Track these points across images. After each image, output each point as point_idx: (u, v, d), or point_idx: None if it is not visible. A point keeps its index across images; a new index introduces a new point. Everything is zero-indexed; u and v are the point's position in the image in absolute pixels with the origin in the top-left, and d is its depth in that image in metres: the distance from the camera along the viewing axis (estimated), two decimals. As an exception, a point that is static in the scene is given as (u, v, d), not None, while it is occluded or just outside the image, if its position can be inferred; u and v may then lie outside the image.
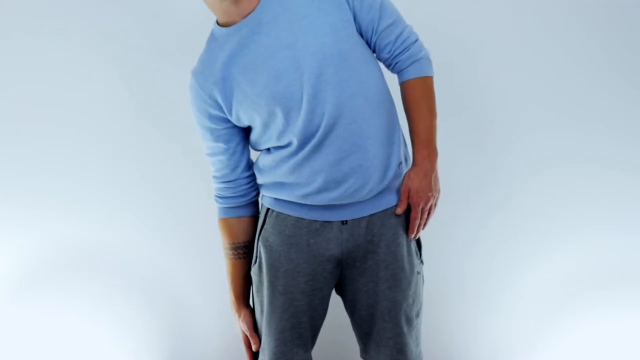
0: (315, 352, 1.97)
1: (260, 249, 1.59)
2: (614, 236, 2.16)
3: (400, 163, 1.54)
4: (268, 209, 1.59)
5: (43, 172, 2.12)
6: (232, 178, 1.61)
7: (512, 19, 2.11)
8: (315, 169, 1.47)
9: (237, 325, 1.68)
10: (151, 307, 2.21)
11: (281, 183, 1.53)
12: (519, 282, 2.20)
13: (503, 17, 2.11)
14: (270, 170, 1.54)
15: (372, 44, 1.53)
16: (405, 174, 1.55)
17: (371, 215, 1.53)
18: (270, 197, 1.58)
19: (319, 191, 1.49)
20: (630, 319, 2.16)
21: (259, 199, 1.66)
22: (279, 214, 1.56)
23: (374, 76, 1.51)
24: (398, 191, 1.55)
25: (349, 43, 1.45)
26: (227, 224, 1.64)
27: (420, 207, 1.55)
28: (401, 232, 1.56)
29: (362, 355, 1.65)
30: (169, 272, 2.21)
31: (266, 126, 1.49)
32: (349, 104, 1.44)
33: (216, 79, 1.49)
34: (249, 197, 1.63)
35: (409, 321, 1.58)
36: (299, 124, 1.45)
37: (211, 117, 1.54)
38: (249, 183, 1.62)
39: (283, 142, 1.49)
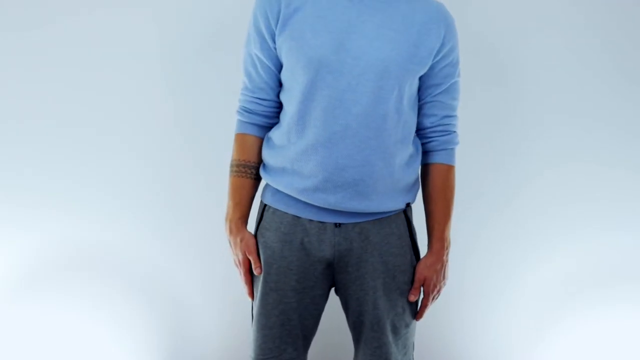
0: (313, 353, 1.98)
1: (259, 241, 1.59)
2: (614, 235, 2.16)
3: (408, 204, 1.59)
4: (265, 205, 1.59)
5: (43, 172, 2.12)
6: (267, 97, 1.59)
7: (513, 18, 2.11)
8: (319, 165, 1.47)
9: (235, 250, 1.61)
10: (151, 307, 2.21)
11: (283, 169, 1.53)
12: (519, 281, 2.20)
13: (503, 17, 2.11)
14: (280, 149, 1.53)
15: (421, 102, 1.58)
16: (421, 261, 1.59)
17: (366, 222, 1.54)
18: (270, 192, 1.58)
19: (316, 189, 1.49)
20: (631, 318, 2.16)
21: (259, 194, 1.65)
22: (275, 210, 1.57)
23: (414, 117, 1.56)
24: (394, 204, 1.56)
25: (411, 73, 1.49)
26: (244, 140, 1.61)
27: (432, 296, 1.60)
28: (396, 241, 1.56)
29: (354, 359, 1.66)
30: (169, 272, 2.21)
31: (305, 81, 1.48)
32: (379, 120, 1.47)
33: None
34: (273, 121, 1.61)
35: (396, 331, 1.58)
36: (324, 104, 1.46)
37: (268, 26, 1.51)
38: (278, 107, 1.60)
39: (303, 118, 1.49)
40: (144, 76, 2.12)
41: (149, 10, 2.09)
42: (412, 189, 1.59)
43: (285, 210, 1.55)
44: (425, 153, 1.63)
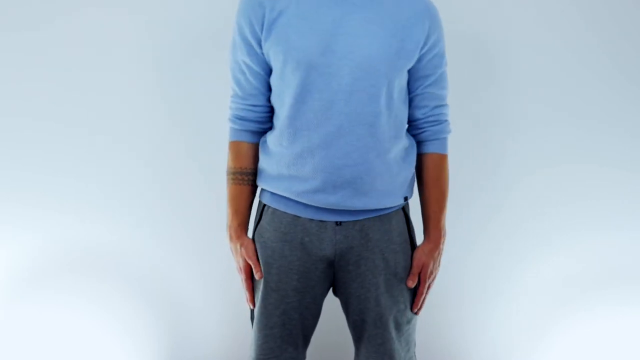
0: (313, 354, 1.98)
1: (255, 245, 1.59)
2: (614, 235, 2.16)
3: (406, 198, 1.60)
4: (265, 205, 1.59)
5: (43, 172, 2.12)
6: (258, 103, 1.57)
7: (511, 18, 2.11)
8: (317, 167, 1.47)
9: (236, 257, 1.62)
10: (151, 307, 2.21)
11: (279, 175, 1.53)
12: (519, 281, 2.20)
13: (502, 17, 2.11)
14: (275, 155, 1.53)
15: (411, 94, 1.58)
16: (419, 247, 1.60)
17: (366, 219, 1.54)
18: (269, 193, 1.58)
19: (315, 191, 1.49)
20: (631, 317, 2.16)
21: (258, 194, 1.65)
22: (274, 210, 1.56)
23: (405, 110, 1.57)
24: (393, 200, 1.56)
25: (399, 68, 1.49)
26: (239, 147, 1.60)
27: (428, 283, 1.61)
28: (396, 238, 1.56)
29: (355, 359, 1.66)
30: (169, 272, 2.21)
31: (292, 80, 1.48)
32: (371, 117, 1.47)
33: None
34: (266, 126, 1.61)
35: (399, 327, 1.58)
36: (316, 104, 1.46)
37: (253, 33, 1.50)
38: (270, 112, 1.59)
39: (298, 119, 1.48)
40: (144, 76, 2.12)
41: (147, 9, 2.09)
42: (409, 183, 1.60)
43: (285, 210, 1.55)
44: (419, 143, 1.63)
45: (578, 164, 2.15)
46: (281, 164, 1.52)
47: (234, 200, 1.61)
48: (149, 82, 2.12)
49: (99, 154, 2.14)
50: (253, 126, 1.60)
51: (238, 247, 1.60)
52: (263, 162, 1.58)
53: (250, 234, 1.64)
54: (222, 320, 2.24)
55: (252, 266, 1.58)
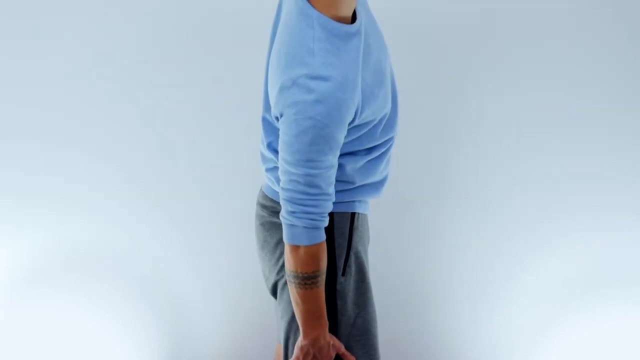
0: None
1: (352, 259, 1.50)
2: (614, 236, 2.16)
3: None
4: (355, 214, 1.50)
5: (43, 172, 2.12)
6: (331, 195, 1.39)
7: (509, 18, 2.10)
8: (388, 159, 1.54)
9: (328, 353, 1.47)
10: (151, 307, 2.21)
11: (372, 183, 1.52)
12: (519, 283, 2.20)
13: (500, 17, 2.10)
14: (364, 173, 1.47)
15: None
16: None
17: None
18: (357, 202, 1.50)
19: (384, 182, 1.55)
20: (631, 319, 2.16)
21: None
22: (359, 215, 1.53)
23: None
24: None
25: None
26: (325, 247, 1.39)
27: None
28: None
29: None
30: (169, 272, 2.21)
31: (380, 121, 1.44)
32: None
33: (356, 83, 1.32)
34: None
35: None
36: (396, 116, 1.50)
37: (347, 125, 1.33)
38: None
39: (389, 135, 1.48)
40: (145, 76, 2.11)
41: (148, 9, 2.09)
42: None
43: (365, 212, 1.55)
44: None
45: (578, 165, 2.14)
46: (374, 174, 1.51)
47: (322, 302, 1.41)
48: (149, 81, 2.12)
49: (99, 154, 2.13)
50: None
51: (329, 343, 1.45)
52: (360, 182, 1.48)
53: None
54: (222, 320, 2.24)
55: (347, 357, 1.49)
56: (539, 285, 2.19)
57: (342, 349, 1.48)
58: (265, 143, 1.49)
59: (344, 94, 1.27)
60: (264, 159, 1.54)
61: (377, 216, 2.08)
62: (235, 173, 2.13)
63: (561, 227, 2.16)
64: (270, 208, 1.52)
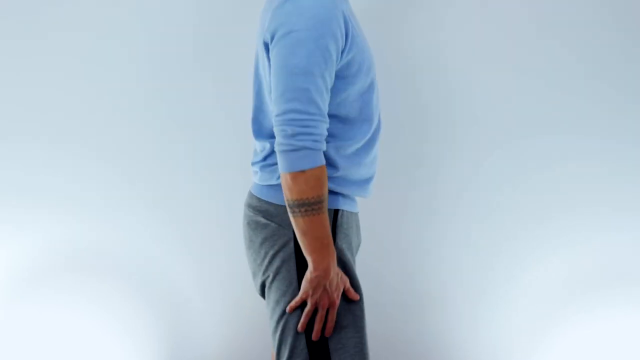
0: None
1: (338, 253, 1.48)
2: (615, 236, 2.15)
3: None
4: (339, 211, 1.48)
5: (43, 172, 2.12)
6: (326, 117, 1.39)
7: (506, 18, 2.10)
8: (375, 158, 1.54)
9: (338, 286, 1.44)
10: (151, 307, 2.21)
11: (361, 178, 1.52)
12: (519, 282, 2.20)
13: (498, 17, 2.10)
14: (349, 159, 1.47)
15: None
16: None
17: None
18: (341, 197, 1.49)
19: (370, 180, 1.54)
20: (631, 319, 2.16)
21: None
22: (345, 212, 1.51)
23: None
24: None
25: None
26: (324, 172, 1.37)
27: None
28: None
29: None
30: (169, 272, 2.21)
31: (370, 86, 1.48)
32: None
33: (346, 13, 1.40)
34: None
35: None
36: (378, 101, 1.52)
37: (338, 45, 1.35)
38: None
39: (371, 117, 1.49)
40: (145, 76, 2.11)
41: (148, 9, 2.09)
42: None
43: (351, 210, 1.53)
44: None
45: (578, 165, 2.14)
46: (369, 168, 1.53)
47: (327, 228, 1.40)
48: (149, 81, 2.12)
49: (99, 154, 2.14)
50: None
51: (337, 275, 1.43)
52: (352, 172, 1.48)
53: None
54: (222, 320, 2.24)
55: (352, 291, 1.46)
56: (539, 285, 2.19)
57: (348, 283, 1.45)
58: (256, 142, 1.54)
59: (333, 10, 1.33)
60: (254, 156, 1.57)
61: (376, 216, 2.10)
62: (235, 173, 2.12)
63: (561, 227, 2.16)
64: (255, 207, 1.52)
